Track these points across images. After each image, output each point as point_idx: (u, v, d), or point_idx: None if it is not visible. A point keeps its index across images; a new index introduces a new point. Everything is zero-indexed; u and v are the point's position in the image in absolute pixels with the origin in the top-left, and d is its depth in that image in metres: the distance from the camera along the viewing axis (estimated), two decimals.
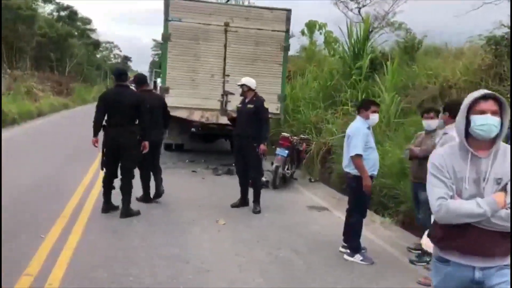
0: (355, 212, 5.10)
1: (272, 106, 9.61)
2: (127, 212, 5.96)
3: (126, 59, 79.94)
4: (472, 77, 8.73)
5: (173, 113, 9.45)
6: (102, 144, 6.03)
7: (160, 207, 6.58)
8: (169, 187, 7.44)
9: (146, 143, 6.12)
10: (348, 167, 5.04)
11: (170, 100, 9.27)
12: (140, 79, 7.14)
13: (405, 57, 11.13)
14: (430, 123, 5.08)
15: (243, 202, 6.93)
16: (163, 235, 5.40)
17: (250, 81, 6.78)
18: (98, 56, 64.40)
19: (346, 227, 5.27)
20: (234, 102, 9.42)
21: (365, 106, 5.10)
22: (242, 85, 6.80)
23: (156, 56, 79.63)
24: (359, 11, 19.04)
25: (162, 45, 9.59)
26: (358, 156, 4.84)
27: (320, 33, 18.08)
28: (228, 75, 9.51)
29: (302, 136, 9.61)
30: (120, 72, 6.34)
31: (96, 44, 59.72)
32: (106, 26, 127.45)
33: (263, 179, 8.42)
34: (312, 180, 9.26)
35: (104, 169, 6.10)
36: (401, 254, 5.32)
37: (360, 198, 5.04)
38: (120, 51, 76.19)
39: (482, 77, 8.55)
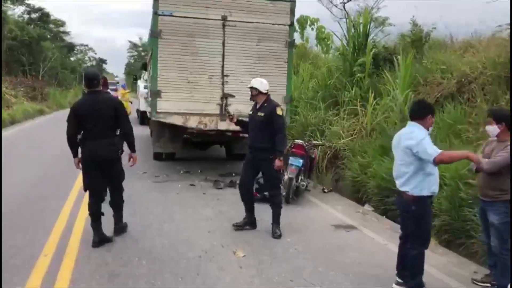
0: (416, 243, 4.11)
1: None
2: (121, 228, 5.45)
3: (101, 61, 78.10)
4: (500, 70, 7.86)
5: (166, 120, 8.39)
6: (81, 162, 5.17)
7: (163, 236, 5.48)
8: (167, 206, 6.43)
9: (135, 155, 5.54)
10: (406, 186, 4.03)
11: (162, 105, 8.20)
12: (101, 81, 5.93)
13: (412, 52, 10.23)
14: (489, 129, 4.20)
15: (249, 222, 5.91)
16: (174, 277, 4.32)
17: (260, 83, 5.74)
18: (72, 59, 62.46)
19: (400, 259, 4.28)
20: (235, 106, 8.40)
21: (429, 111, 4.12)
22: (251, 88, 5.77)
23: (132, 58, 78.38)
24: (343, 7, 18.34)
25: (151, 43, 8.46)
26: (441, 154, 3.84)
27: (312, 29, 17.15)
28: (227, 75, 8.43)
29: (315, 142, 8.58)
30: (90, 77, 5.21)
31: (70, 47, 58.03)
32: (79, 28, 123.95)
33: None
34: (326, 190, 8.27)
35: (88, 190, 5.22)
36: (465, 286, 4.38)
37: (422, 224, 4.06)
38: (95, 53, 74.55)
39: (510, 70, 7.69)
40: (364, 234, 5.89)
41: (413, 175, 3.97)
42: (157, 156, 10.33)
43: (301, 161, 7.17)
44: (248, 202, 5.95)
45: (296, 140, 7.89)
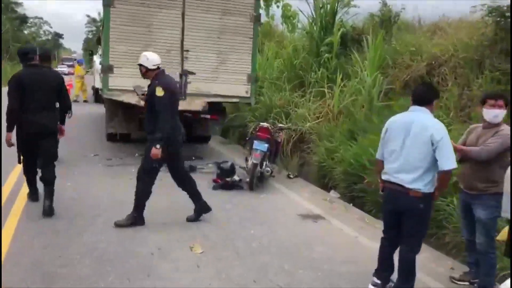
0: (416, 244, 3.65)
1: (241, 88, 8.09)
2: (51, 209, 5.16)
3: (58, 36, 74.87)
4: (472, 53, 7.58)
5: (118, 97, 7.66)
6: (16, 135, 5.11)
7: (110, 230, 4.86)
8: (118, 194, 5.83)
9: (63, 127, 5.62)
10: (418, 183, 3.47)
11: (114, 82, 7.46)
12: (43, 55, 6.01)
13: (381, 32, 9.85)
14: (498, 114, 3.74)
15: (200, 209, 5.36)
16: (120, 279, 3.75)
17: (146, 59, 4.95)
18: (26, 32, 59.27)
19: (384, 261, 3.84)
20: (195, 84, 7.79)
21: (437, 95, 3.73)
22: (139, 66, 5.04)
23: (90, 33, 75.21)
24: None
25: (104, 13, 7.64)
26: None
27: (278, 6, 16.49)
28: (187, 50, 7.75)
29: (281, 125, 8.08)
30: (24, 51, 5.45)
31: (23, 19, 54.91)
32: (33, 1, 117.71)
33: (235, 178, 6.92)
34: (291, 176, 7.83)
35: (22, 161, 5.42)
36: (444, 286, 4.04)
37: (427, 224, 3.65)
38: (51, 27, 71.27)
39: (483, 53, 7.42)
40: (333, 225, 5.48)
41: (428, 170, 3.47)
42: (111, 137, 9.57)
43: (266, 145, 6.67)
44: (187, 189, 5.39)
45: (261, 123, 7.36)
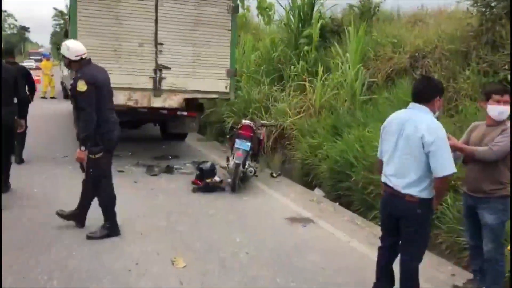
0: (418, 252, 3.32)
1: (220, 83, 7.68)
2: (6, 186, 5.70)
3: (24, 29, 72.46)
4: (458, 45, 7.37)
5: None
6: None
7: (83, 242, 4.40)
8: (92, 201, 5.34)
9: (22, 121, 5.95)
10: (412, 187, 3.15)
11: None
12: (6, 50, 6.89)
13: (363, 24, 9.58)
14: (504, 110, 3.45)
15: (76, 216, 4.74)
16: None
17: (66, 49, 4.43)
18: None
19: (382, 270, 3.52)
20: (170, 79, 7.34)
21: (438, 91, 3.27)
22: (62, 57, 4.59)
23: (58, 26, 72.99)
24: None
25: (70, 4, 7.07)
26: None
27: None
28: (161, 44, 7.27)
29: (263, 121, 7.70)
30: None
31: None
32: None
33: (216, 179, 6.54)
34: (274, 175, 7.48)
35: None
36: None
37: (427, 230, 3.33)
38: (16, 20, 68.95)
39: (468, 44, 7.22)
40: (323, 229, 5.15)
41: (424, 175, 3.12)
42: None
43: (248, 144, 6.29)
44: (89, 196, 4.72)
45: (243, 120, 6.96)
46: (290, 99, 9.46)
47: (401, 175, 3.20)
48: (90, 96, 4.26)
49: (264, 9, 15.95)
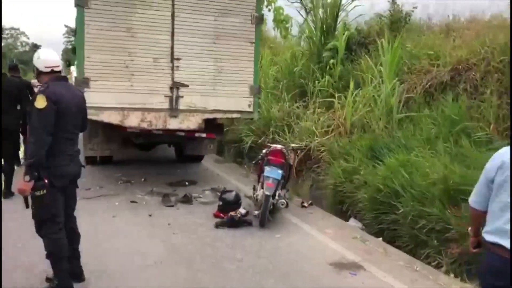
0: None
1: (243, 101, 6.89)
2: (9, 191, 6.17)
3: (35, 47, 73.09)
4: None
5: (98, 117, 6.36)
6: None
7: None
8: (98, 239, 4.59)
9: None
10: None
11: (92, 98, 6.09)
12: (10, 66, 7.46)
13: (398, 35, 8.78)
14: None
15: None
16: None
17: (36, 58, 3.75)
18: (2, 44, 57.75)
19: None
20: (188, 98, 6.58)
21: None
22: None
23: (69, 43, 73.38)
24: None
25: (77, 16, 6.35)
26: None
27: (269, 10, 15.36)
28: (178, 59, 6.51)
29: (293, 145, 6.87)
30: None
31: None
32: (9, 11, 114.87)
33: (241, 211, 5.71)
34: (306, 205, 6.61)
35: None
36: None
37: None
38: (28, 38, 69.63)
39: None
40: (377, 278, 4.25)
41: None
42: (90, 161, 8.25)
43: (280, 172, 5.45)
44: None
45: (273, 145, 6.13)
46: (315, 117, 8.64)
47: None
48: (48, 116, 3.44)
49: (281, 22, 15.28)
